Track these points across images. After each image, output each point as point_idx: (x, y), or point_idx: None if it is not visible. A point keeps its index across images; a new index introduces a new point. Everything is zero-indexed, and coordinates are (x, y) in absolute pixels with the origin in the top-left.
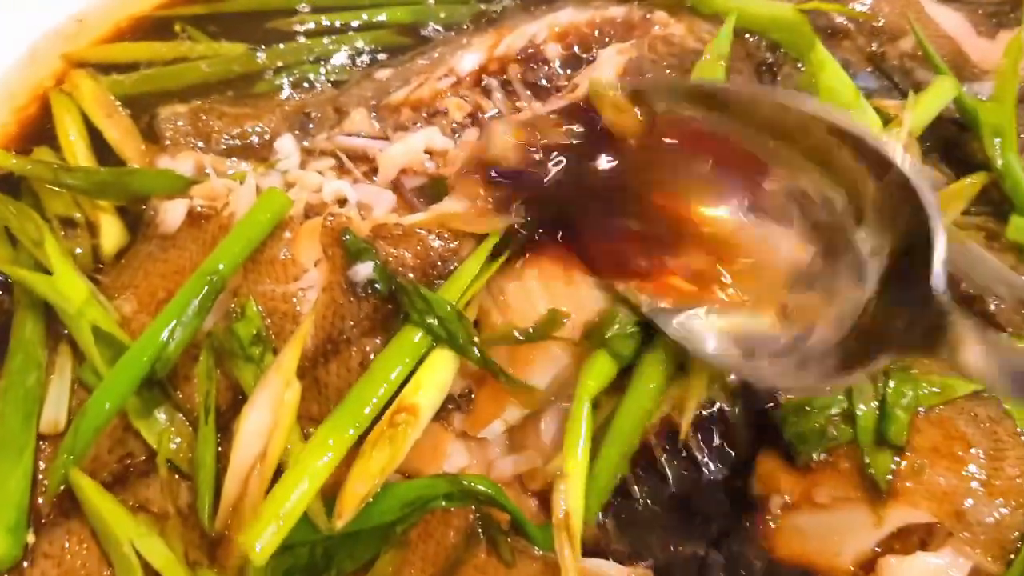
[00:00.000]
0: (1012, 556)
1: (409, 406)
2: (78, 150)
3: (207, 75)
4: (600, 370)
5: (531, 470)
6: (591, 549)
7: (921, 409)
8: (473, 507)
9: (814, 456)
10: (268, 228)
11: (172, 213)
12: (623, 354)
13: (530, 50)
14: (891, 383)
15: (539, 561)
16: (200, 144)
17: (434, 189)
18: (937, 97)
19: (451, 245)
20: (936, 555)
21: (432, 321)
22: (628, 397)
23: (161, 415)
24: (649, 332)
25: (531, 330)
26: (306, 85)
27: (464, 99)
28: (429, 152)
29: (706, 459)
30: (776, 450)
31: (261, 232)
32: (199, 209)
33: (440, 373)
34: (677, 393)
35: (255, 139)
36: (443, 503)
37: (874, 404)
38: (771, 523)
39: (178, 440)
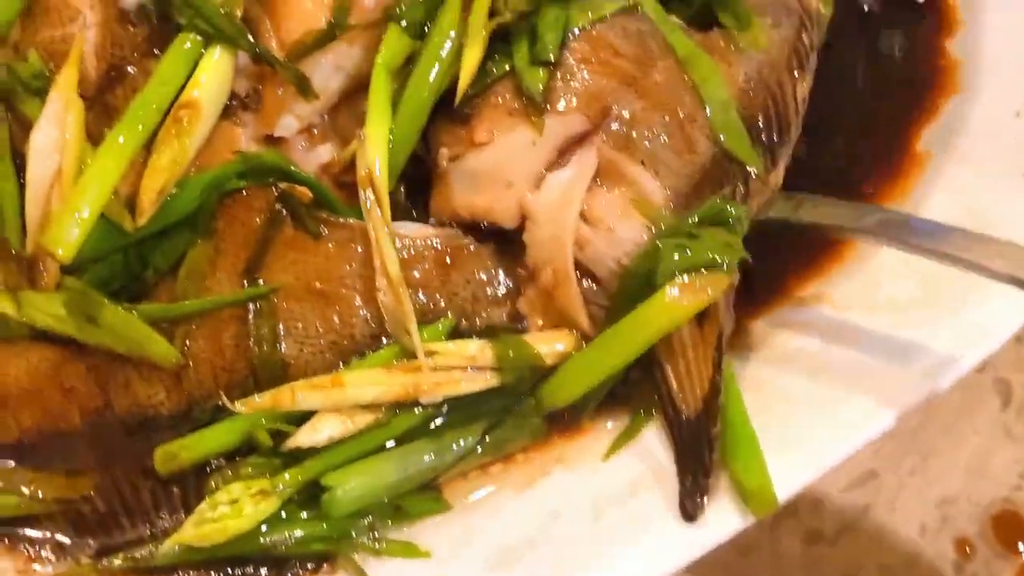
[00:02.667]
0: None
1: (189, 101)
2: None
3: None
4: (392, 40)
5: (333, 159)
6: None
7: (575, 30)
8: (274, 189)
9: (473, 92)
10: None
11: None
12: (414, 21)
13: None
14: (543, 10)
15: (345, 228)
16: None
17: None
18: None
19: None
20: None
21: (200, 22)
22: (419, 63)
23: None
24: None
25: (327, 25)
26: None
27: None
28: None
29: None
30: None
31: None
32: None
33: (216, 68)
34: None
35: None
36: (238, 182)
37: (528, 31)
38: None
39: None
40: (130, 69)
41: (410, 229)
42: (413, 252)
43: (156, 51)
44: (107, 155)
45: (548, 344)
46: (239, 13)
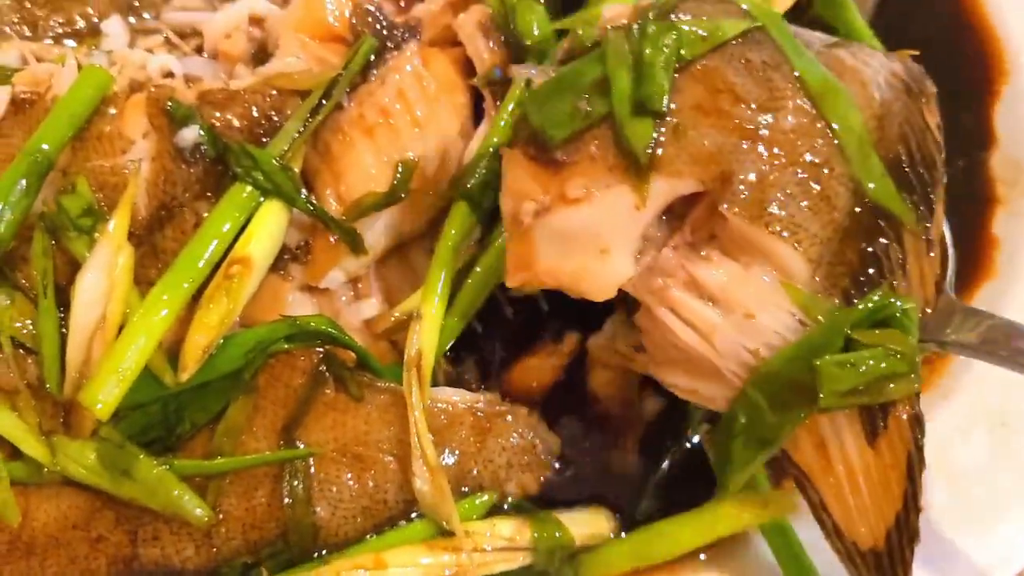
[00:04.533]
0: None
1: (242, 257)
2: None
3: None
4: (461, 220)
5: (378, 316)
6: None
7: (686, 61)
8: (318, 349)
9: (565, 135)
10: (90, 104)
11: None
12: (483, 205)
13: None
14: (648, 33)
15: (386, 392)
16: (28, 33)
17: (260, 54)
18: None
19: (276, 104)
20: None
21: (258, 175)
22: (490, 250)
23: (1, 297)
24: None
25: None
26: None
27: None
28: (254, 19)
29: None
30: (522, 149)
31: (83, 108)
32: (23, 96)
33: (270, 224)
34: None
35: (82, 24)
36: (284, 345)
37: (630, 65)
38: (523, 235)
39: (23, 320)
40: (180, 207)
41: (448, 395)
42: (451, 418)
43: (209, 194)
44: (152, 311)
45: (583, 526)
46: (297, 169)
